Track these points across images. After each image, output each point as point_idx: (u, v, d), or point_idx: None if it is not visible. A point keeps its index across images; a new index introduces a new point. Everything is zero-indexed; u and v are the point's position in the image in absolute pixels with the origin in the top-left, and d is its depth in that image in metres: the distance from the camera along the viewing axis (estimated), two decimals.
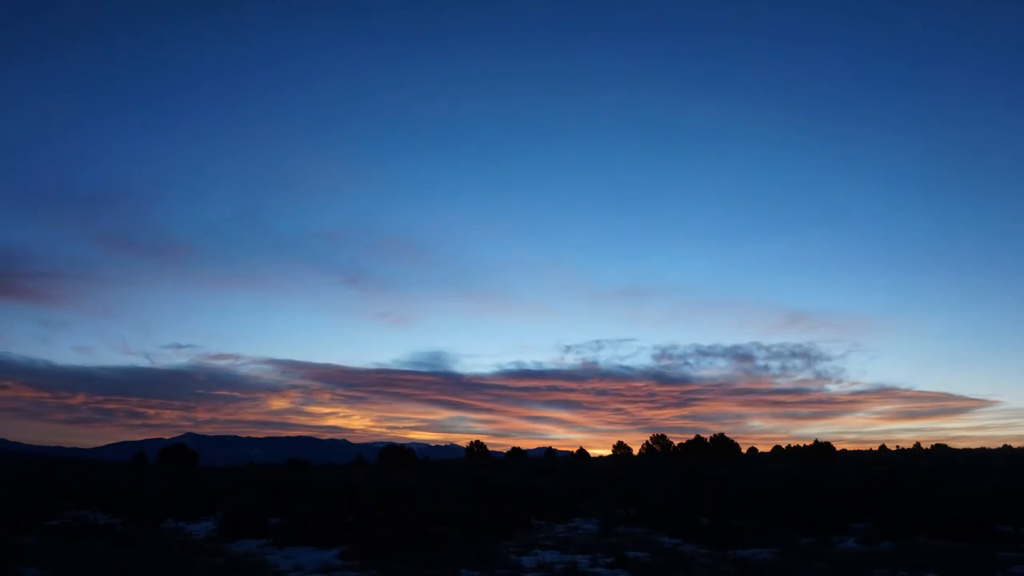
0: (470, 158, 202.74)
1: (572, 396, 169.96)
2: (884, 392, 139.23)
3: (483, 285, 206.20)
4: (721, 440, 46.21)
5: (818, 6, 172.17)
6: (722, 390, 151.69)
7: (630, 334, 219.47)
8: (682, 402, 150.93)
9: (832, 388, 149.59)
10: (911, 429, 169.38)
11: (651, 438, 49.60)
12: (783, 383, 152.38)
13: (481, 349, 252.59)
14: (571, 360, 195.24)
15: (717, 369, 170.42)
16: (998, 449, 64.96)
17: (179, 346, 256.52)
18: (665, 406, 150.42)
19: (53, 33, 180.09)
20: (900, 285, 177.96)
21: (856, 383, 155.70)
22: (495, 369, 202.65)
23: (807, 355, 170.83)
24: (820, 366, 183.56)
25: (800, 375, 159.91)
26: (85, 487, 23.39)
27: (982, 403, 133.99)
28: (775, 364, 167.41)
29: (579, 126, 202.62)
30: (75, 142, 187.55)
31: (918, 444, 71.01)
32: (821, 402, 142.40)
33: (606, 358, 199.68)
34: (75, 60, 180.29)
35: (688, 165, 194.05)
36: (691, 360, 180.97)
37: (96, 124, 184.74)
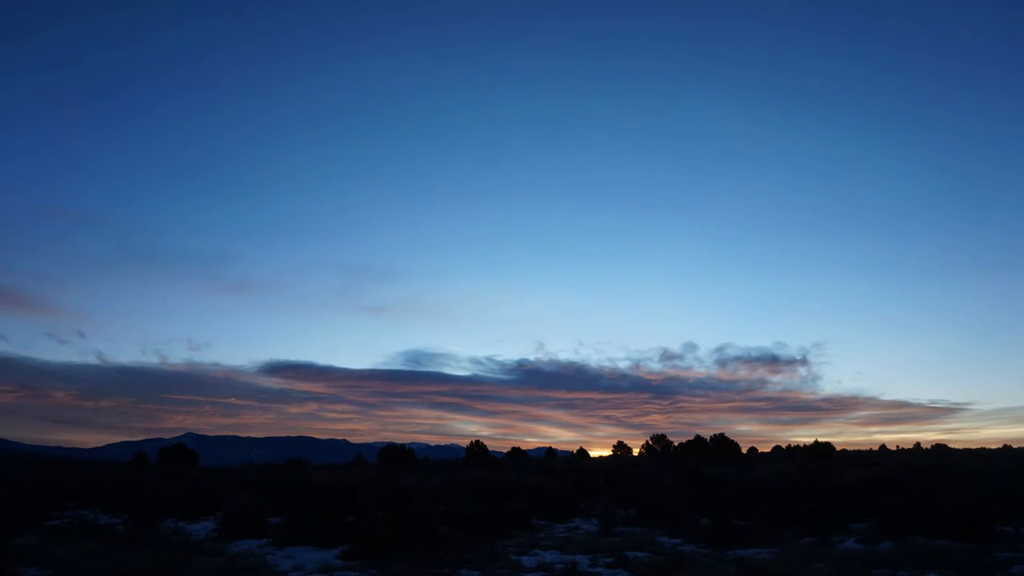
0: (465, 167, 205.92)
1: (561, 401, 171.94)
2: (858, 400, 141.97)
3: (480, 289, 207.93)
4: (721, 440, 46.20)
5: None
6: (704, 397, 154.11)
7: (611, 342, 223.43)
8: (667, 410, 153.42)
9: (808, 397, 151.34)
10: (888, 433, 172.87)
11: (651, 438, 49.64)
12: (764, 391, 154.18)
13: (478, 351, 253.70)
14: (557, 365, 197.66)
15: (696, 378, 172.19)
16: (998, 449, 64.96)
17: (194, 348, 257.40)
18: (650, 413, 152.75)
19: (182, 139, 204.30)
20: (867, 297, 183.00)
21: (829, 392, 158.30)
22: (491, 370, 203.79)
23: (781, 366, 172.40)
24: (796, 375, 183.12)
25: (778, 385, 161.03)
26: (85, 487, 23.37)
27: (946, 410, 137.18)
28: (752, 375, 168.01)
29: (568, 132, 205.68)
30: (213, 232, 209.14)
31: (918, 444, 71.07)
32: (798, 409, 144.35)
33: (590, 364, 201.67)
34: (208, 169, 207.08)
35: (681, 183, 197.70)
36: (670, 368, 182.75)
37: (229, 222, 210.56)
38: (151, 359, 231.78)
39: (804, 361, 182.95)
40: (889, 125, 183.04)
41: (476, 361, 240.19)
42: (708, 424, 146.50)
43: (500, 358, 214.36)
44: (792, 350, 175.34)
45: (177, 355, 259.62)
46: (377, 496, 13.22)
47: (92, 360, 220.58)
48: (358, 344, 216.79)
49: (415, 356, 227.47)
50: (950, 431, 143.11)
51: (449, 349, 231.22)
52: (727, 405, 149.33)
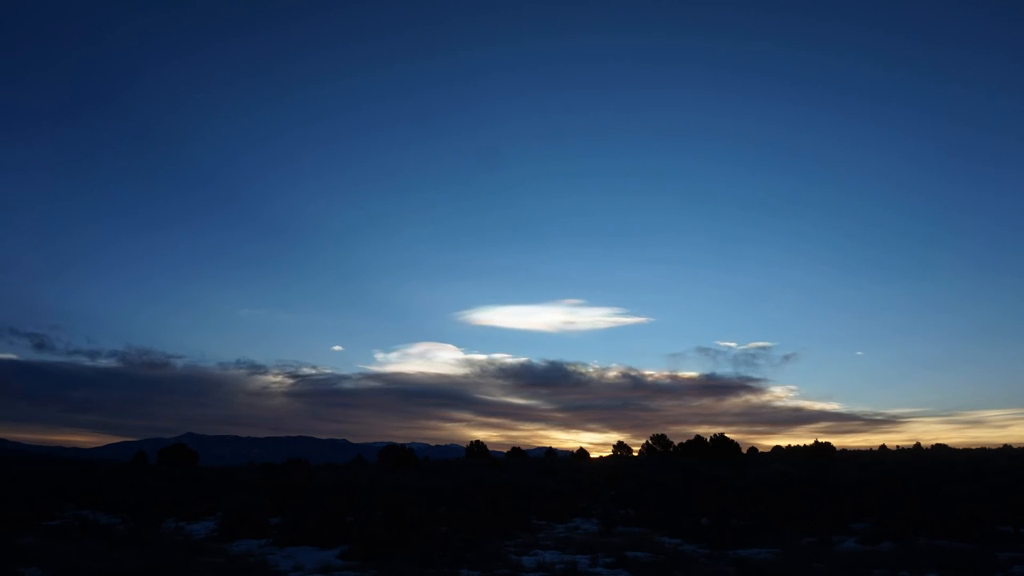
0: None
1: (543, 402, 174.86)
2: (810, 412, 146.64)
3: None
4: (721, 440, 46.16)
5: None
6: (677, 408, 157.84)
7: (600, 353, 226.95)
8: (647, 422, 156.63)
9: (768, 410, 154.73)
10: (844, 440, 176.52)
11: (651, 438, 49.58)
12: (733, 404, 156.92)
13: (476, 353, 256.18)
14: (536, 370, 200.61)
15: (666, 392, 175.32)
16: (998, 449, 64.96)
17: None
18: (631, 418, 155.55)
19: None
20: (824, 314, 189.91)
21: (788, 404, 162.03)
22: (484, 372, 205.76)
23: (740, 383, 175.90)
24: (755, 389, 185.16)
25: (743, 396, 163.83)
26: (85, 487, 23.38)
27: (885, 421, 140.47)
28: (723, 383, 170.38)
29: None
30: None
31: (918, 444, 70.99)
32: (769, 423, 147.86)
33: (566, 370, 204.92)
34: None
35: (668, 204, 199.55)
36: (644, 379, 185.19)
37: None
38: (151, 359, 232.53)
39: (762, 379, 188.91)
40: (829, 152, 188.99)
41: (472, 364, 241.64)
42: (687, 436, 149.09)
43: (499, 360, 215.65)
44: (744, 361, 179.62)
45: (178, 355, 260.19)
46: (377, 496, 13.23)
47: (93, 360, 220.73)
48: (358, 344, 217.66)
49: (413, 356, 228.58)
50: (910, 438, 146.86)
51: (444, 351, 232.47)
52: (691, 414, 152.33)
